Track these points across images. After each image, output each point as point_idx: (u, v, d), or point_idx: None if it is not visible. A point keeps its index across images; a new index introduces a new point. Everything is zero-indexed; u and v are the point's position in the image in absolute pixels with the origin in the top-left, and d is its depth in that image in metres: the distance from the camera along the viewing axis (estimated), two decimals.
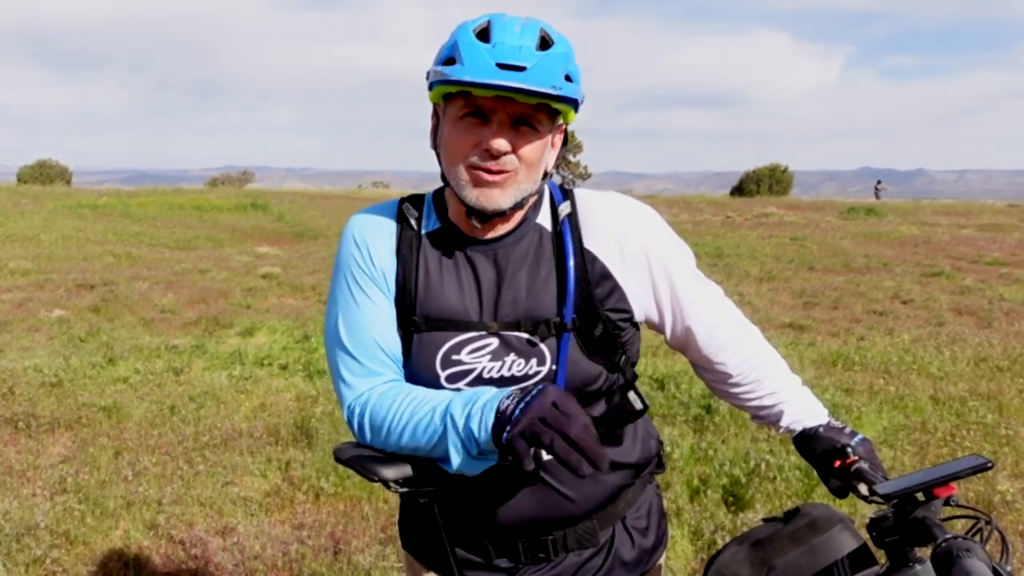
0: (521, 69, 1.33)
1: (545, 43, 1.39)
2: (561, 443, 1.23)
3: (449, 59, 1.39)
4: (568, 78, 1.40)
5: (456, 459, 1.36)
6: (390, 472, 1.48)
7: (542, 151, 1.45)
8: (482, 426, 1.31)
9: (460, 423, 1.35)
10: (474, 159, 1.41)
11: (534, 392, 1.29)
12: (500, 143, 1.39)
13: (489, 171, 1.41)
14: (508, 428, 1.27)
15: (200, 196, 27.29)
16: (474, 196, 1.43)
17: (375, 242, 1.55)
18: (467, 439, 1.34)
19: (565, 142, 1.56)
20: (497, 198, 1.43)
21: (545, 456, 1.25)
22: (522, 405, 1.27)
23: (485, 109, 1.39)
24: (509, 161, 1.41)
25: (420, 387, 1.49)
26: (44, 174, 37.31)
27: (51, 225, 18.13)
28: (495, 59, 1.34)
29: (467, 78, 1.34)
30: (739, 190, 41.29)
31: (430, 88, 1.45)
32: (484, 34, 1.38)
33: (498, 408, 1.30)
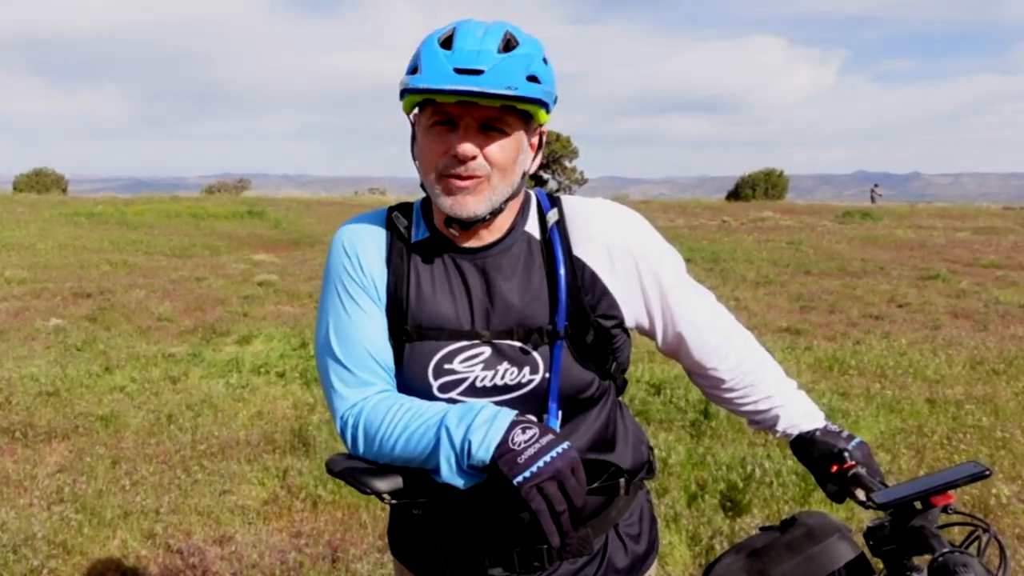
0: (478, 72, 1.34)
1: (509, 45, 1.39)
2: (567, 515, 1.27)
3: (413, 68, 1.41)
4: (533, 78, 1.39)
5: (446, 470, 1.36)
6: (383, 484, 1.48)
7: (514, 154, 1.45)
8: (483, 445, 1.31)
9: (457, 436, 1.34)
10: (445, 167, 1.42)
11: (560, 450, 1.29)
12: (465, 147, 1.39)
13: (459, 177, 1.41)
14: (527, 474, 1.27)
15: (196, 204, 27.26)
16: (448, 204, 1.44)
17: (365, 251, 1.55)
18: (461, 452, 1.33)
19: (544, 143, 1.56)
20: (471, 205, 1.43)
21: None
22: (548, 458, 1.28)
23: (452, 116, 1.40)
24: (479, 166, 1.41)
25: (414, 398, 1.48)
26: (40, 182, 37.24)
27: (47, 233, 18.10)
28: (453, 64, 1.35)
29: (423, 85, 1.36)
30: (735, 194, 41.34)
31: (401, 98, 1.46)
32: (448, 42, 1.39)
33: (509, 436, 1.31)
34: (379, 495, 1.49)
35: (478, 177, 1.42)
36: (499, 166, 1.43)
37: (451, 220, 1.47)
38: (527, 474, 1.27)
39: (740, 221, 24.78)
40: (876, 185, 41.68)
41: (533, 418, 1.38)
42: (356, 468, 1.49)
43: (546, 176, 41.62)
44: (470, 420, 1.34)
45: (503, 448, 1.30)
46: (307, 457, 5.03)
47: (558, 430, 1.50)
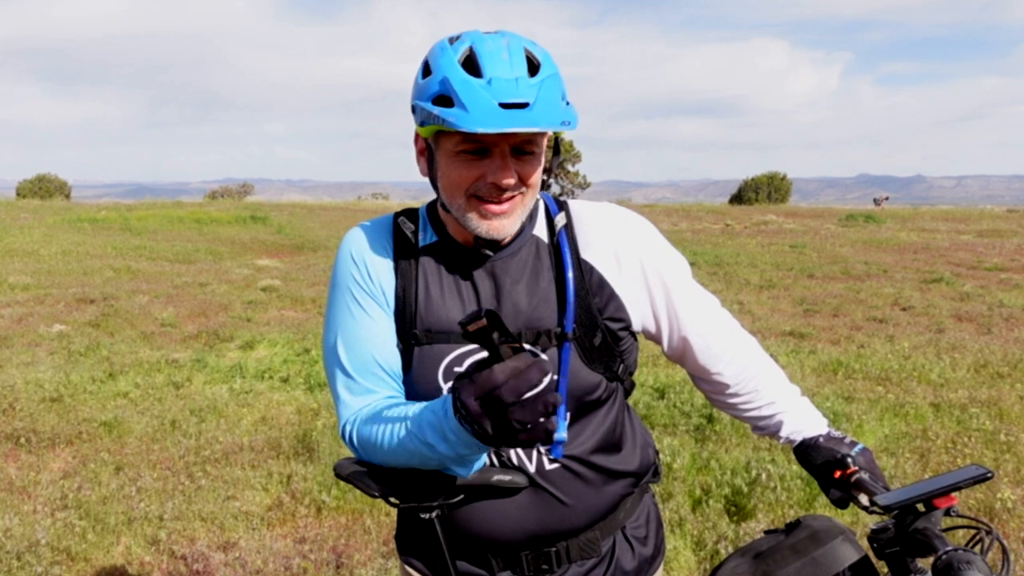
0: (524, 106, 1.30)
1: (532, 65, 1.36)
2: (520, 412, 1.15)
3: (442, 97, 1.34)
4: (565, 100, 1.39)
5: (462, 472, 1.39)
6: (390, 488, 1.49)
7: (540, 170, 1.47)
8: (471, 447, 1.28)
9: (449, 451, 1.32)
10: (478, 192, 1.41)
11: (466, 383, 1.22)
12: (509, 178, 1.39)
13: (498, 201, 1.41)
14: (459, 393, 1.21)
15: (200, 209, 27.31)
16: (484, 228, 1.43)
17: (372, 258, 1.55)
18: (466, 455, 1.34)
19: (557, 152, 1.56)
20: (507, 227, 1.44)
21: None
22: (467, 401, 1.20)
23: (487, 143, 1.37)
24: (514, 188, 1.42)
25: (408, 403, 1.47)
26: (43, 188, 37.35)
27: (51, 239, 18.15)
28: (496, 98, 1.29)
29: (479, 130, 1.29)
30: (738, 198, 41.36)
31: (420, 124, 1.41)
32: (471, 64, 1.34)
33: (470, 431, 1.24)
34: (387, 499, 1.50)
35: (513, 198, 1.43)
36: (531, 185, 1.44)
37: (483, 242, 1.48)
38: (460, 392, 1.21)
39: (743, 225, 24.78)
40: (887, 197, 41.38)
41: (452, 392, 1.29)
42: (363, 472, 1.50)
43: (549, 180, 41.65)
44: (443, 435, 1.31)
45: (467, 425, 1.23)
46: (311, 463, 5.04)
47: (564, 431, 1.51)
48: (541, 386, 1.16)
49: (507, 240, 1.52)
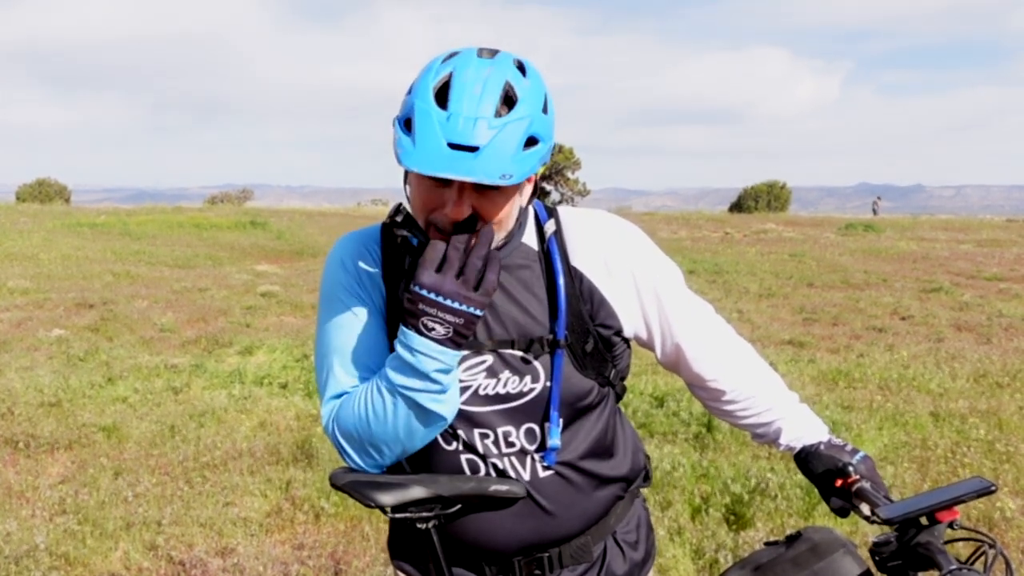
0: (473, 150, 1.28)
1: (508, 101, 1.33)
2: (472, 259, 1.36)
3: (408, 120, 1.35)
4: (532, 141, 1.35)
5: (444, 411, 1.42)
6: (386, 498, 1.48)
7: (510, 206, 1.45)
8: (438, 356, 1.37)
9: (420, 384, 1.39)
10: (437, 220, 1.41)
11: (434, 297, 1.36)
12: (459, 213, 1.38)
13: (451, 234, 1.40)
14: (477, 309, 1.36)
15: (199, 214, 27.32)
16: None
17: (361, 265, 1.56)
18: (439, 376, 1.39)
19: (540, 182, 1.57)
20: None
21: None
22: (456, 304, 1.35)
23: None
24: (468, 226, 1.40)
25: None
26: (43, 192, 37.36)
27: (50, 244, 18.14)
28: (447, 138, 1.28)
29: (414, 168, 1.31)
30: (738, 206, 41.42)
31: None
32: (442, 93, 1.32)
33: (436, 340, 1.36)
34: (382, 508, 1.50)
35: (468, 237, 1.40)
36: (496, 220, 1.43)
37: None
38: (476, 309, 1.37)
39: (743, 233, 24.80)
40: (879, 198, 41.58)
41: (405, 307, 1.42)
42: (359, 481, 1.50)
43: (548, 188, 41.70)
44: (406, 365, 1.39)
45: (446, 341, 1.37)
46: (310, 469, 5.03)
47: (558, 438, 1.52)
48: (474, 243, 1.37)
49: (499, 245, 1.52)
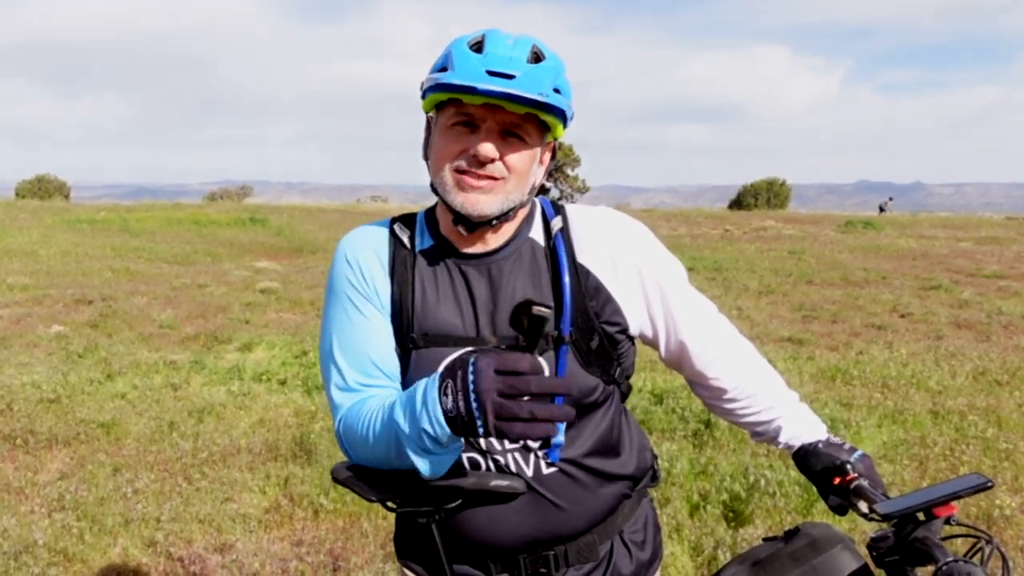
0: (510, 77, 1.36)
1: (537, 58, 1.41)
2: (538, 407, 1.18)
3: (442, 68, 1.42)
4: (557, 91, 1.42)
5: (423, 467, 1.34)
6: (388, 492, 1.49)
7: (530, 162, 1.47)
8: (435, 424, 1.26)
9: (409, 430, 1.31)
10: (460, 164, 1.44)
11: (471, 376, 1.21)
12: (487, 148, 1.41)
13: (476, 176, 1.43)
14: (480, 426, 1.20)
15: (199, 211, 27.32)
16: (460, 201, 1.44)
17: (368, 261, 1.56)
18: (425, 440, 1.29)
19: (554, 157, 1.58)
20: (483, 204, 1.44)
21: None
22: (473, 398, 1.20)
23: (475, 117, 1.42)
24: (496, 169, 1.43)
25: (388, 396, 1.45)
26: (42, 189, 37.37)
27: (49, 240, 18.14)
28: (485, 67, 1.36)
29: (456, 81, 1.36)
30: (737, 203, 41.42)
31: (423, 97, 1.47)
32: (478, 46, 1.41)
33: (444, 408, 1.24)
34: (384, 503, 1.50)
35: (494, 179, 1.44)
36: (516, 171, 1.45)
37: (459, 219, 1.48)
38: (480, 425, 1.20)
39: (742, 230, 24.81)
40: (890, 198, 41.13)
41: (451, 361, 1.36)
42: (360, 476, 1.50)
43: (548, 184, 41.73)
44: (412, 408, 1.30)
45: (453, 423, 1.24)
46: (309, 465, 5.03)
47: (561, 435, 1.52)
48: (561, 391, 1.21)
49: (500, 241, 1.53)
